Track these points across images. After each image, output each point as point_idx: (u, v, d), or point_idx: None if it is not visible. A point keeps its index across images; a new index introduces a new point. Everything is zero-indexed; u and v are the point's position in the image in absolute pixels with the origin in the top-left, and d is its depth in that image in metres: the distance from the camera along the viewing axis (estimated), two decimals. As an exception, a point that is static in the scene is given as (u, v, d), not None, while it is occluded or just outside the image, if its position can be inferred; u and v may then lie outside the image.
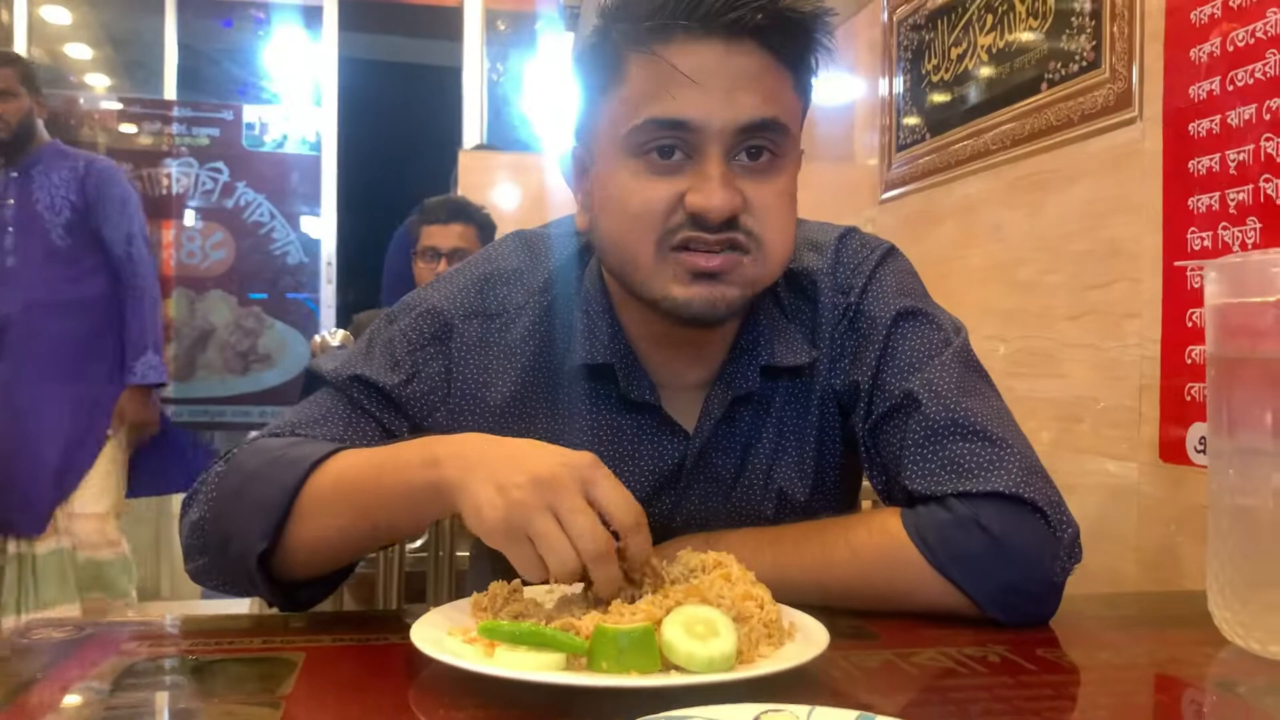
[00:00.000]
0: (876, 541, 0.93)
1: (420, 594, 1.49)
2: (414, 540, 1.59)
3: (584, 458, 0.78)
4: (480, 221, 2.76)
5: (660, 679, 0.68)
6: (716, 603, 0.78)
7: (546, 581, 0.77)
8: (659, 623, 0.73)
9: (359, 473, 0.88)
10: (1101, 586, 1.36)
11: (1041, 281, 1.66)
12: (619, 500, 0.76)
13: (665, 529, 1.04)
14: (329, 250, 5.14)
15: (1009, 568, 0.90)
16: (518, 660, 0.69)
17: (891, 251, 1.08)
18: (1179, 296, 1.33)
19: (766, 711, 0.58)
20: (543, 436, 0.97)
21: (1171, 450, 1.35)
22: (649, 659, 0.69)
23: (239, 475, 0.92)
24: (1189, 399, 1.30)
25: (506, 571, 0.81)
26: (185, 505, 0.97)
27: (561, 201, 3.99)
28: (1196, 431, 1.29)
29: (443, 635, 0.77)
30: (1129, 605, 1.03)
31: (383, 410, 1.01)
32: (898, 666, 0.79)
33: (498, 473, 0.77)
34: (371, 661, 0.81)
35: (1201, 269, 1.27)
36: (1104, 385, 1.49)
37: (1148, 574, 1.40)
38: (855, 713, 0.61)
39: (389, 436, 1.00)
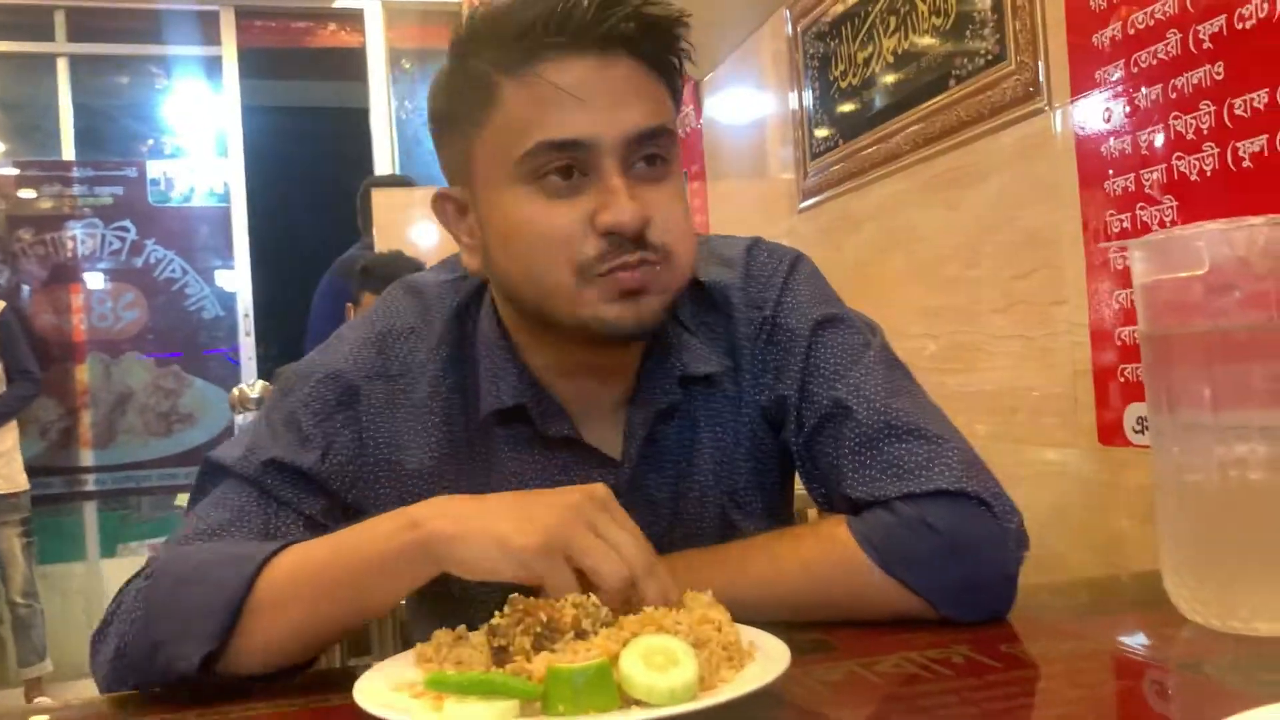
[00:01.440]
0: (825, 551, 0.91)
1: (366, 646, 1.44)
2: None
3: (597, 489, 0.79)
4: None
5: (621, 716, 0.64)
6: (673, 630, 0.75)
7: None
8: (615, 657, 0.70)
9: (319, 559, 0.84)
10: (1052, 575, 1.36)
11: (965, 276, 1.67)
12: (635, 529, 0.79)
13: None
14: (245, 302, 5.04)
15: (961, 564, 0.88)
16: (468, 713, 0.65)
17: (799, 259, 1.06)
18: (1103, 279, 1.34)
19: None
20: (471, 483, 0.96)
21: (1110, 433, 1.36)
22: (607, 697, 0.65)
23: (168, 581, 0.84)
24: (1123, 380, 1.31)
25: (446, 619, 0.79)
26: (96, 642, 0.88)
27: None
28: (1134, 412, 1.30)
29: (387, 691, 0.73)
30: (1084, 592, 1.03)
31: (302, 496, 0.94)
32: (861, 677, 0.77)
33: (508, 514, 0.77)
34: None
35: (1124, 250, 1.28)
36: (1037, 374, 1.50)
37: (1097, 558, 1.41)
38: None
39: (314, 528, 0.93)
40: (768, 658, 0.75)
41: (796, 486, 1.10)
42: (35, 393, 4.49)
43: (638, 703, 0.66)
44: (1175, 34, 1.19)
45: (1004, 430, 1.52)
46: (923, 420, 0.95)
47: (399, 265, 2.73)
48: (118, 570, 4.90)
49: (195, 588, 0.83)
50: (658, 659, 0.68)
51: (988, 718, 0.67)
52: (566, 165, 0.87)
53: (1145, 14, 1.22)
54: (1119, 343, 1.31)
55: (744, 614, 0.83)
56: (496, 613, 0.76)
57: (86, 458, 4.85)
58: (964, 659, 0.80)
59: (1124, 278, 1.30)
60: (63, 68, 4.93)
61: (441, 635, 0.80)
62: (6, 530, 4.27)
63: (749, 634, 0.79)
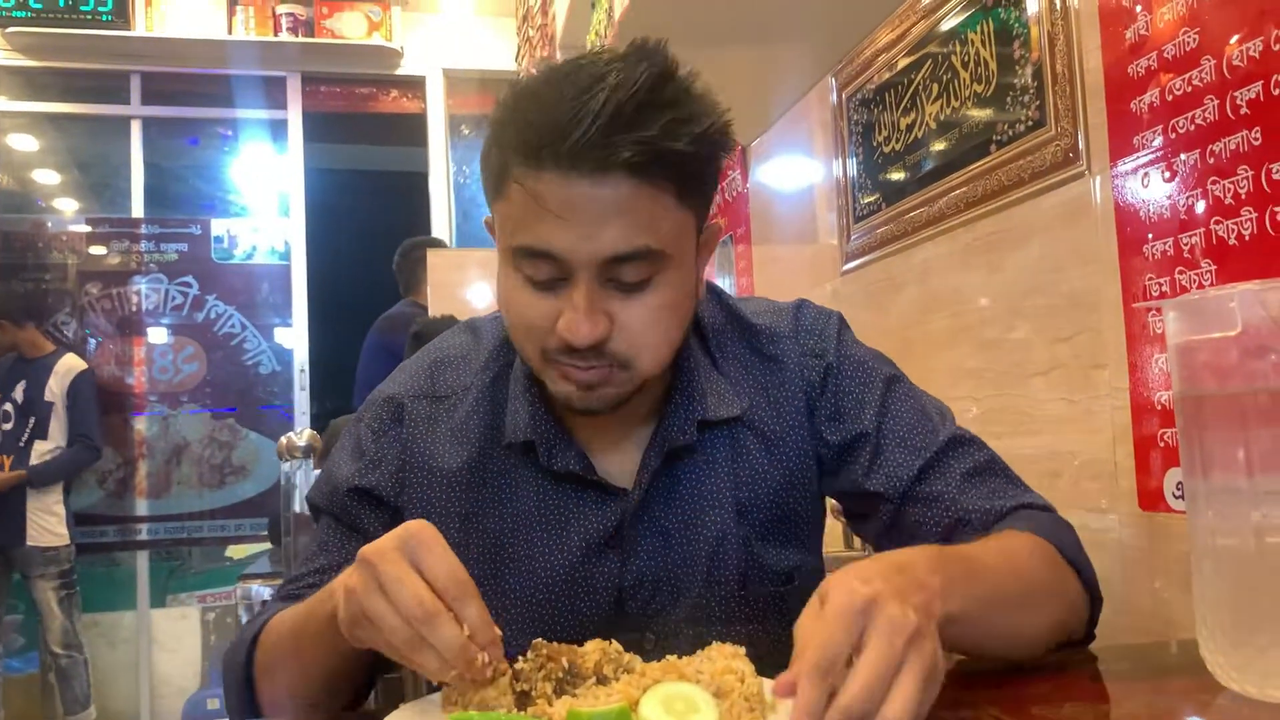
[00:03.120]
0: (1022, 547, 0.94)
1: (401, 694, 1.45)
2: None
3: (411, 527, 0.78)
4: None
5: None
6: (694, 678, 0.76)
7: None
8: (635, 702, 0.71)
9: (291, 626, 0.96)
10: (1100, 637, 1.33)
11: (1006, 339, 1.66)
12: (440, 567, 0.75)
13: (618, 587, 1.04)
14: (301, 358, 5.14)
15: (1087, 559, 1.00)
16: None
17: (842, 317, 1.14)
18: (1143, 343, 1.34)
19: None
20: (489, 508, 1.05)
21: (1150, 499, 1.34)
22: None
23: (223, 667, 1.04)
24: (1163, 445, 1.29)
25: None
26: None
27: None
28: (1173, 477, 1.28)
29: None
30: (1121, 658, 1.01)
31: (370, 517, 1.07)
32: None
33: (344, 579, 0.80)
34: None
35: (1161, 312, 1.27)
36: (1078, 438, 1.49)
37: (1136, 624, 1.38)
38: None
39: (362, 537, 1.03)
40: (790, 710, 0.75)
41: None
42: (91, 461, 4.59)
43: None
44: (1213, 100, 1.19)
45: (1048, 495, 1.50)
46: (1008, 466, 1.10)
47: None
48: (166, 620, 4.96)
49: (227, 674, 1.02)
50: (678, 705, 0.70)
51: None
52: (545, 268, 0.92)
53: (1183, 80, 1.23)
54: (1159, 407, 1.29)
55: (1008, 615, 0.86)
56: (520, 657, 0.78)
57: (141, 507, 4.95)
58: None
59: (1163, 342, 1.30)
60: (136, 129, 5.12)
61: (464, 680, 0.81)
62: (42, 583, 4.33)
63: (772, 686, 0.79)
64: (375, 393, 1.12)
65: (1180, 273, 1.25)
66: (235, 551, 5.06)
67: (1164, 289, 1.27)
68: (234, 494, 5.06)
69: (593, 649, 0.80)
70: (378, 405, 1.10)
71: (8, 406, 4.41)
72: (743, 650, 0.80)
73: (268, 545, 4.71)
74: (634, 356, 0.94)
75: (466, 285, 3.99)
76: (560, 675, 0.78)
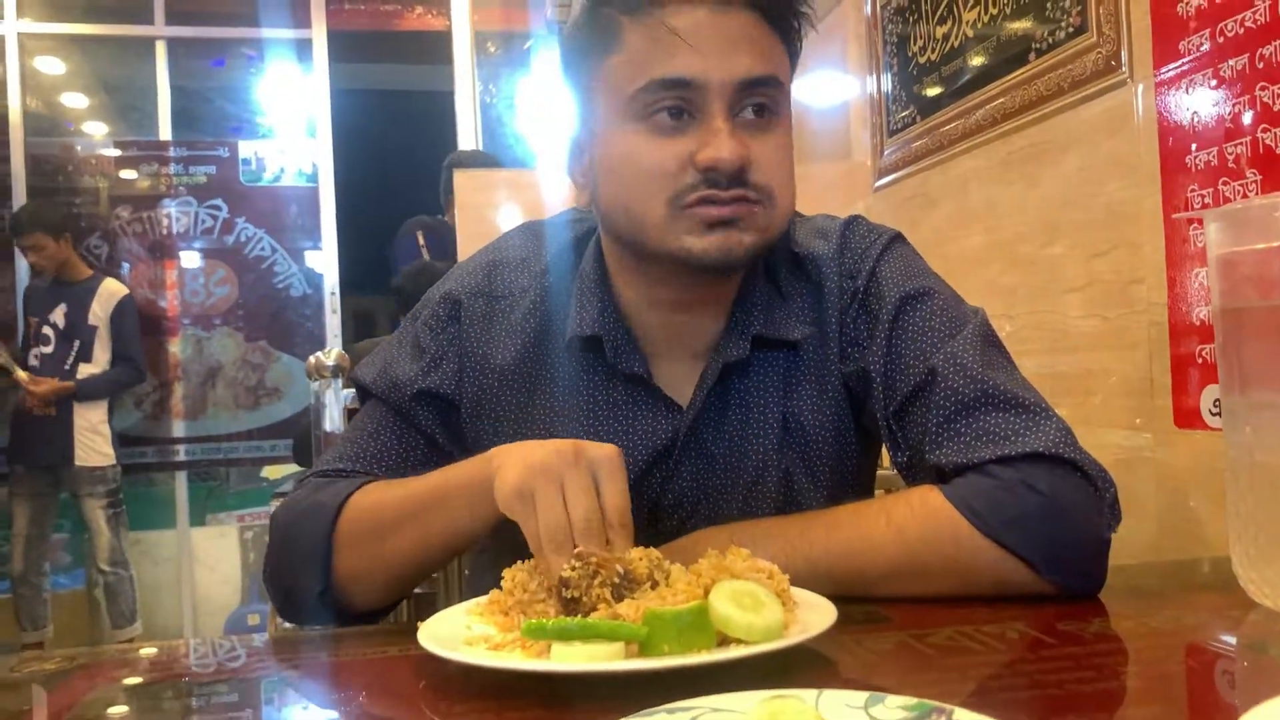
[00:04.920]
0: (921, 517, 0.90)
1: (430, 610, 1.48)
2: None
3: (606, 448, 0.82)
4: None
5: (732, 652, 0.68)
6: (746, 575, 0.77)
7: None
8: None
9: (402, 498, 0.95)
10: (1123, 559, 1.33)
11: (1042, 255, 1.63)
12: (618, 499, 0.80)
13: (655, 505, 1.04)
14: (332, 280, 5.15)
15: (1062, 526, 0.87)
16: (584, 652, 0.68)
17: (898, 238, 1.08)
18: (1183, 257, 1.30)
19: (775, 696, 0.56)
20: (541, 406, 1.04)
21: (1187, 416, 1.32)
22: (706, 636, 0.69)
23: (279, 532, 1.02)
24: (1200, 361, 1.27)
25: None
26: (267, 586, 1.05)
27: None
28: (1211, 394, 1.26)
29: (461, 644, 0.75)
30: (1151, 575, 1.00)
31: (431, 415, 1.07)
32: (912, 647, 0.76)
33: (528, 452, 0.82)
34: (388, 673, 0.78)
35: (1200, 228, 1.24)
36: (1114, 355, 1.46)
37: (1170, 543, 1.37)
38: (865, 694, 0.58)
39: (435, 449, 1.07)
40: (812, 607, 0.77)
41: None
42: (134, 382, 4.67)
43: (731, 641, 0.70)
44: (1263, 1, 1.14)
45: (1080, 413, 1.49)
46: (1019, 391, 0.94)
47: (430, 281, 2.70)
48: (205, 539, 5.07)
49: (292, 543, 0.99)
50: (745, 601, 0.71)
51: (1035, 689, 0.66)
52: (676, 105, 0.92)
53: (1233, -19, 1.18)
54: (1197, 323, 1.27)
55: (827, 585, 0.85)
56: (566, 565, 0.78)
57: (178, 429, 5.02)
58: (1018, 634, 0.79)
59: (1204, 255, 1.26)
60: (161, 51, 5.08)
61: (519, 573, 0.82)
62: (91, 502, 4.43)
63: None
64: (432, 290, 1.12)
65: (1224, 183, 1.21)
66: (271, 472, 5.14)
67: (1206, 200, 1.24)
68: (268, 415, 5.12)
69: (639, 555, 0.81)
70: (435, 303, 1.09)
71: (46, 330, 4.47)
72: (745, 551, 0.82)
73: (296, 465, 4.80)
74: (772, 190, 0.95)
75: (493, 205, 3.95)
76: (616, 581, 0.78)
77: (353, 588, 0.98)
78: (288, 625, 1.05)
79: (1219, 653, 0.79)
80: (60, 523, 4.70)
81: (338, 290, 5.14)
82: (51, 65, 5.14)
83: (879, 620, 0.85)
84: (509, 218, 3.93)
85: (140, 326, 4.67)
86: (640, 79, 0.93)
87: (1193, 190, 1.26)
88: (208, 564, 5.06)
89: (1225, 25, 1.19)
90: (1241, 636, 0.81)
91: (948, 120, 1.90)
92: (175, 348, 5.02)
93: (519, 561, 0.83)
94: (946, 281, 1.06)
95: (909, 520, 0.90)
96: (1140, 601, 0.91)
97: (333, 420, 1.68)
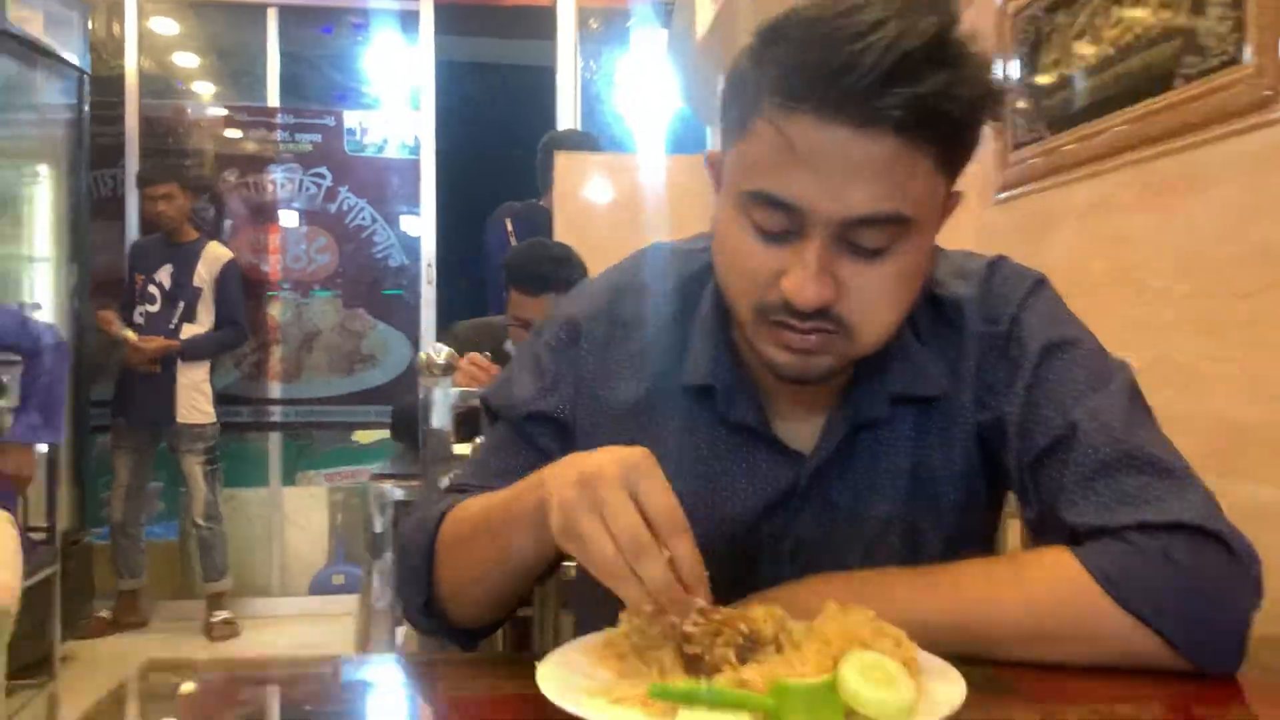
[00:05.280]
0: (1052, 581, 0.87)
1: (529, 640, 1.48)
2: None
3: (634, 453, 0.78)
4: (568, 284, 2.74)
5: None
6: (877, 646, 0.75)
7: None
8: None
9: (483, 511, 0.95)
10: (1264, 624, 1.27)
11: (1176, 290, 1.56)
12: (660, 501, 0.76)
13: (774, 552, 1.02)
14: (429, 251, 5.22)
15: (1202, 603, 0.84)
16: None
17: (1043, 281, 1.04)
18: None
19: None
20: (655, 446, 0.98)
21: (1331, 476, 1.25)
22: (835, 711, 0.68)
23: (400, 544, 1.06)
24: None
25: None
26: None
27: (655, 201, 3.95)
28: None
29: (582, 694, 0.74)
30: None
31: (546, 435, 1.07)
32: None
33: (563, 476, 0.79)
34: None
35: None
36: (1249, 404, 1.40)
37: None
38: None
39: (546, 459, 1.03)
40: (939, 674, 0.76)
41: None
42: (236, 344, 4.83)
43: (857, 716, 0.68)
44: None
45: (1211, 462, 1.42)
46: (1163, 454, 0.90)
47: (544, 268, 2.66)
48: (295, 498, 5.20)
49: (406, 556, 1.02)
50: (876, 674, 0.70)
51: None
52: (777, 219, 0.86)
53: None
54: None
55: (950, 645, 0.82)
56: (689, 621, 0.77)
57: (274, 390, 5.14)
58: (1155, 720, 0.76)
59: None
60: (272, 16, 5.17)
61: (633, 621, 0.80)
62: (190, 458, 4.58)
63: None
64: (555, 312, 1.12)
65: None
66: (361, 436, 5.24)
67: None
68: (362, 381, 5.21)
69: (763, 615, 0.79)
70: (557, 324, 1.09)
71: (152, 289, 4.60)
72: (870, 611, 0.80)
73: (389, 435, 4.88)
74: (858, 326, 0.88)
75: (592, 190, 3.95)
76: (740, 642, 0.77)
77: (450, 602, 1.01)
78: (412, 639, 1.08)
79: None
80: (157, 472, 4.86)
81: (434, 263, 5.20)
82: (165, 26, 5.26)
83: (1005, 691, 0.82)
84: (603, 197, 3.93)
85: (243, 289, 4.80)
86: (750, 181, 0.87)
87: (1353, 239, 1.19)
88: (297, 523, 5.19)
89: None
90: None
91: (1077, 140, 1.82)
92: (275, 311, 5.14)
93: None
94: (1089, 330, 1.01)
95: (1039, 584, 0.88)
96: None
97: (441, 418, 1.69)
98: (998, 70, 0.85)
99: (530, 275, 2.66)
